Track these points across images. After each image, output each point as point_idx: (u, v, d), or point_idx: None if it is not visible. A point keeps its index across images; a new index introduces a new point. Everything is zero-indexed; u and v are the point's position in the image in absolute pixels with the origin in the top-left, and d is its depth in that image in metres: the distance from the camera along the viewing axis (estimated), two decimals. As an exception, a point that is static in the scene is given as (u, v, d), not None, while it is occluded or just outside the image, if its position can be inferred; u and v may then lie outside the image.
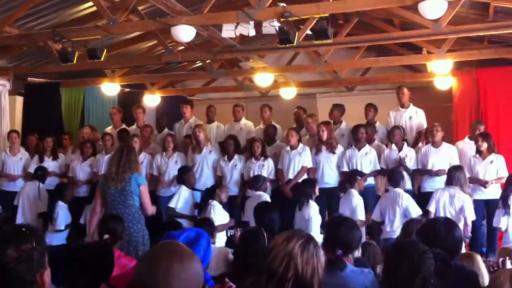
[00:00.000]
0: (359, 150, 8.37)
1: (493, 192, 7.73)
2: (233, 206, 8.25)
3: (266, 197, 7.55)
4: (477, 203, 7.53)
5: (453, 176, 7.20)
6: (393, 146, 8.44)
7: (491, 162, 7.86)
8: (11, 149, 9.41)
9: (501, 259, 4.13)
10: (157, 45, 10.51)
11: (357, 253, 3.74)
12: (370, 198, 7.71)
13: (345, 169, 8.28)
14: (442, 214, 6.80)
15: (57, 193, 8.37)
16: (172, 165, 8.75)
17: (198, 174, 8.61)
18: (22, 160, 9.37)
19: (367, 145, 8.44)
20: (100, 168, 8.73)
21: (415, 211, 7.05)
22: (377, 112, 9.28)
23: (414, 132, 9.02)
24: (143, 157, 8.74)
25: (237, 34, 7.81)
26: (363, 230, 6.40)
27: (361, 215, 7.30)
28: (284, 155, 8.49)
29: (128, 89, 11.96)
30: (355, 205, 7.34)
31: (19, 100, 10.88)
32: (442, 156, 8.12)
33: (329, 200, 7.97)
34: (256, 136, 9.25)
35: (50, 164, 9.21)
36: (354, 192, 7.52)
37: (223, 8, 8.46)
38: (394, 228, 6.93)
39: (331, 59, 10.72)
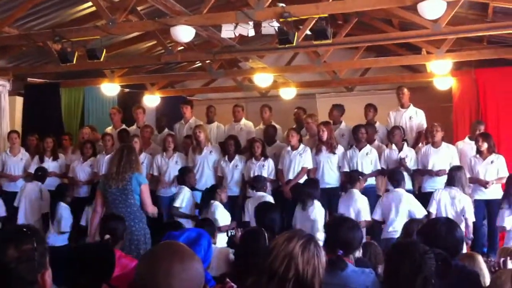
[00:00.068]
0: (359, 150, 8.37)
1: (494, 192, 7.73)
2: (234, 206, 8.25)
3: (269, 199, 7.54)
4: (477, 203, 7.54)
5: (454, 176, 7.21)
6: (393, 146, 8.44)
7: (492, 162, 7.86)
8: (11, 150, 9.41)
9: (502, 259, 4.13)
10: (156, 45, 10.51)
11: (358, 253, 3.73)
12: (371, 198, 7.70)
13: (346, 169, 8.29)
14: (443, 215, 6.79)
15: (58, 194, 8.39)
16: (172, 165, 8.75)
17: (198, 175, 8.62)
18: (23, 160, 9.37)
19: (368, 145, 8.45)
20: (100, 169, 8.72)
21: (420, 212, 7.05)
22: (377, 112, 9.29)
23: (414, 132, 9.02)
24: (144, 157, 8.74)
25: (237, 35, 7.81)
26: (363, 230, 6.39)
27: (366, 216, 7.34)
28: (284, 155, 8.49)
29: (127, 90, 11.96)
30: (360, 205, 7.37)
31: (19, 100, 10.88)
32: (442, 156, 8.12)
33: (330, 201, 7.97)
34: (256, 136, 9.25)
35: (50, 164, 9.21)
36: (356, 192, 7.53)
37: (222, 9, 8.46)
38: (396, 229, 6.92)
39: (330, 60, 10.73)
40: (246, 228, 6.02)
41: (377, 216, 7.33)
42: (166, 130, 10.02)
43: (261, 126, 9.72)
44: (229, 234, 6.27)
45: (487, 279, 3.87)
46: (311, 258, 2.34)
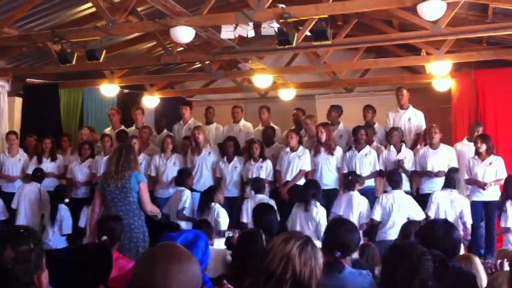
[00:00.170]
0: (358, 151, 8.38)
1: (492, 193, 7.73)
2: (233, 207, 8.24)
3: (270, 202, 7.51)
4: (475, 205, 7.54)
5: (453, 178, 7.22)
6: (392, 147, 8.43)
7: (490, 163, 7.86)
8: (9, 150, 9.41)
9: (499, 261, 4.15)
10: (156, 46, 10.51)
11: (355, 255, 3.73)
12: (370, 199, 7.70)
13: (346, 170, 8.29)
14: (442, 217, 6.79)
15: (57, 195, 8.40)
16: (170, 166, 8.76)
17: (197, 176, 8.62)
18: (21, 161, 9.37)
19: (367, 146, 8.45)
20: (99, 169, 8.71)
21: (418, 215, 7.05)
22: (375, 113, 9.28)
23: (412, 133, 9.02)
24: (142, 158, 8.73)
25: (236, 35, 7.80)
26: (360, 231, 6.39)
27: (367, 218, 7.38)
28: (283, 157, 8.49)
29: (127, 90, 11.95)
30: (361, 209, 7.42)
31: (18, 101, 10.87)
32: (440, 158, 8.12)
33: (328, 202, 7.97)
34: (255, 137, 9.24)
35: (48, 165, 9.21)
36: (356, 194, 7.54)
37: (222, 9, 8.46)
38: (392, 231, 6.92)
39: (330, 60, 10.73)
40: (243, 230, 6.01)
41: (377, 217, 7.32)
42: (165, 131, 10.02)
43: (259, 127, 9.71)
44: (226, 235, 6.27)
45: (484, 281, 3.88)
46: (308, 259, 2.34)
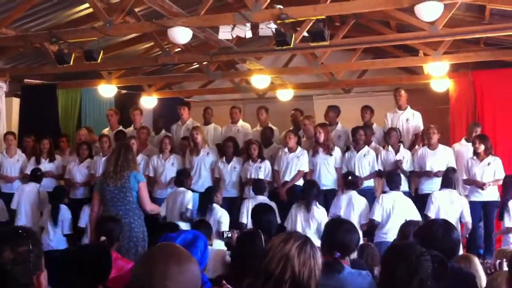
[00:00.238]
0: (357, 152, 8.38)
1: (491, 194, 7.75)
2: (232, 208, 8.23)
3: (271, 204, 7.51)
4: (474, 205, 7.55)
5: (452, 178, 7.23)
6: (390, 148, 8.44)
7: (489, 164, 7.87)
8: (7, 151, 9.40)
9: (498, 261, 4.14)
10: (153, 46, 10.50)
11: (354, 255, 3.73)
12: (370, 200, 7.70)
13: (345, 171, 8.29)
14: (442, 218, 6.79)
15: (58, 195, 8.40)
16: (169, 166, 8.76)
17: (195, 176, 8.61)
18: (19, 162, 9.36)
19: (366, 146, 8.45)
20: (97, 170, 8.69)
21: (416, 218, 7.04)
22: (373, 114, 9.28)
23: (410, 134, 9.03)
24: (140, 159, 8.71)
25: (234, 36, 7.81)
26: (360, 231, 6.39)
27: (367, 219, 7.40)
28: (281, 157, 8.49)
29: (125, 91, 11.93)
30: (361, 209, 7.43)
31: (16, 101, 10.85)
32: (439, 158, 8.13)
33: (326, 202, 7.97)
34: (253, 138, 9.24)
35: (46, 166, 9.19)
36: (355, 194, 7.54)
37: (220, 10, 8.47)
38: (390, 232, 6.92)
39: (327, 61, 10.74)
40: (242, 230, 6.01)
41: (377, 218, 7.31)
42: (163, 131, 10.03)
43: (258, 128, 9.72)
44: (225, 236, 6.27)
45: (483, 281, 3.88)
46: (307, 259, 2.34)
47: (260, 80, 10.71)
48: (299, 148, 8.51)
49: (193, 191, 8.14)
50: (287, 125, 9.79)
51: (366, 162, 8.31)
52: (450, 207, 7.12)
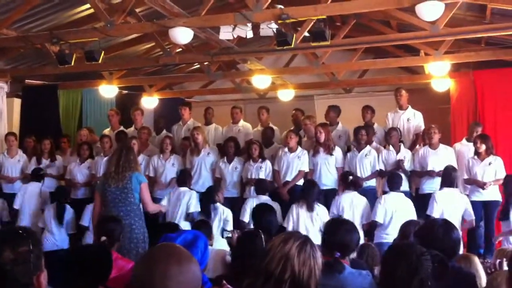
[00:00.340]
0: (359, 151, 8.39)
1: (491, 193, 7.75)
2: (233, 208, 8.23)
3: (273, 205, 7.50)
4: (475, 205, 7.53)
5: (453, 177, 7.22)
6: (391, 147, 8.44)
7: (490, 163, 7.86)
8: (8, 152, 9.42)
9: (498, 260, 4.14)
10: (154, 47, 10.50)
11: (353, 254, 3.73)
12: (371, 200, 7.70)
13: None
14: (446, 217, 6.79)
15: (61, 195, 8.41)
16: (169, 167, 8.76)
17: (196, 176, 8.61)
18: (20, 162, 9.38)
19: (367, 146, 8.45)
20: (98, 170, 8.70)
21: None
22: (374, 113, 9.28)
23: (411, 134, 9.02)
24: (141, 159, 8.72)
25: (235, 36, 7.81)
26: (360, 231, 6.39)
27: (368, 219, 7.41)
28: (281, 157, 8.48)
29: (126, 91, 11.95)
30: (363, 208, 7.43)
31: (17, 102, 10.87)
32: (440, 158, 8.12)
33: (327, 202, 7.97)
34: (254, 138, 9.24)
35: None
36: (356, 194, 7.54)
37: (221, 10, 8.47)
38: (390, 233, 6.92)
39: (328, 61, 10.74)
40: (243, 230, 6.02)
41: (379, 219, 7.30)
42: (164, 131, 10.03)
43: (259, 128, 9.72)
44: (225, 235, 6.27)
45: (483, 280, 3.88)
46: (307, 259, 2.34)
47: (261, 80, 10.72)
48: (299, 148, 8.51)
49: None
50: (288, 125, 9.79)
51: (367, 162, 8.31)
52: (453, 207, 7.11)
